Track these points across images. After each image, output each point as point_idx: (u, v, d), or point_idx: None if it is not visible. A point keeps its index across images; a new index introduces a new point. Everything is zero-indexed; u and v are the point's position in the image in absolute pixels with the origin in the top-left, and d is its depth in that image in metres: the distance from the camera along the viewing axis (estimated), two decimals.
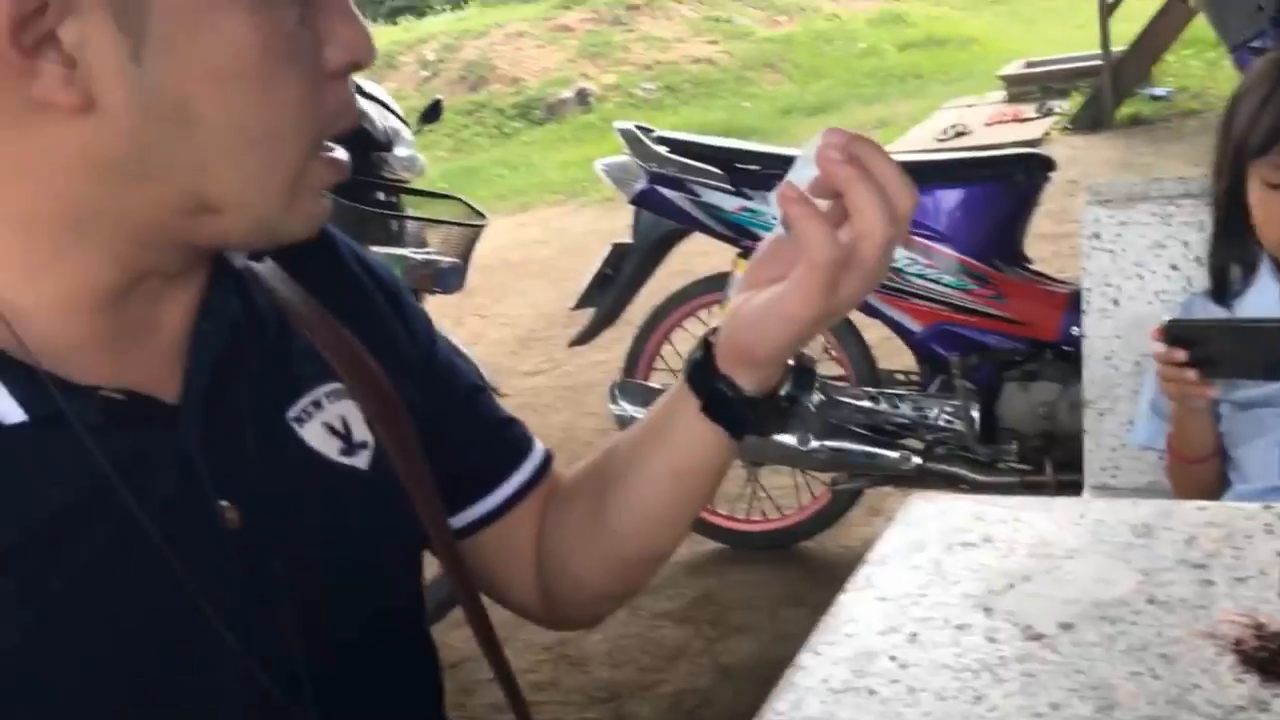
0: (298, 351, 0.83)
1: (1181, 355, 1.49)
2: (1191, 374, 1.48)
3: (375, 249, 2.52)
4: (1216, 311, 1.66)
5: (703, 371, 0.86)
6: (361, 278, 0.91)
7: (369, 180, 2.68)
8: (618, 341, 3.50)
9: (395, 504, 0.85)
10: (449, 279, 2.69)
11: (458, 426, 0.95)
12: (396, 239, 2.66)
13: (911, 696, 0.92)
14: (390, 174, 2.76)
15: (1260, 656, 0.87)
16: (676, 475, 0.91)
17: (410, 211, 2.77)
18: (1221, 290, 1.71)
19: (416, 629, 0.92)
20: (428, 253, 2.63)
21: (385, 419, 0.85)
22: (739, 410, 0.87)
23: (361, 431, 0.85)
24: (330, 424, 0.83)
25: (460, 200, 2.83)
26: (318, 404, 0.83)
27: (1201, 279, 1.82)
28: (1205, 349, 1.50)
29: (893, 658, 0.98)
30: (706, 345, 0.87)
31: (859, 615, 1.06)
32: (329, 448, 0.82)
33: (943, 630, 1.01)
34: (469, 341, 4.36)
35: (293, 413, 0.82)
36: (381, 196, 2.70)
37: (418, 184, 2.92)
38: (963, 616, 1.02)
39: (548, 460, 1.00)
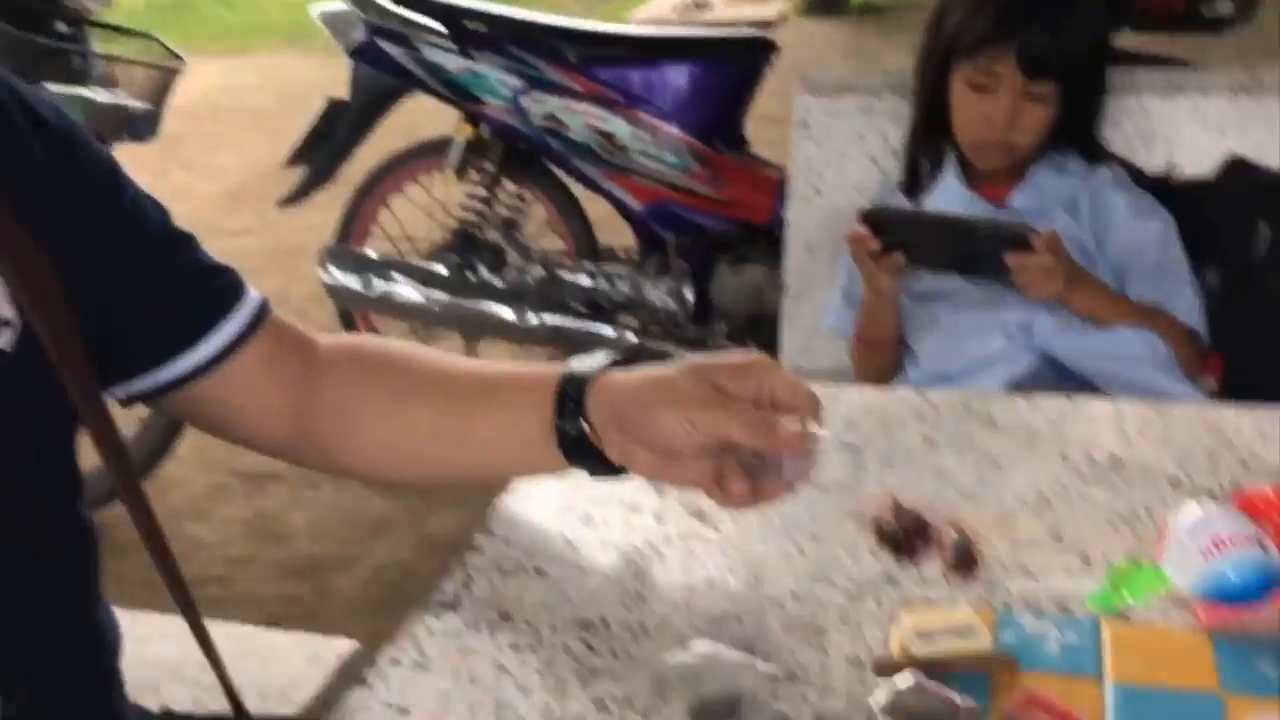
0: None
1: (875, 242, 1.56)
2: (893, 257, 1.56)
3: (53, 88, 2.28)
4: (905, 205, 1.75)
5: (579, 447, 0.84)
6: (20, 125, 0.82)
7: (47, 8, 2.40)
8: (335, 204, 3.35)
9: (42, 386, 0.79)
10: (140, 126, 2.47)
11: (151, 277, 0.88)
12: (80, 78, 2.42)
13: (579, 576, 0.94)
14: (74, 3, 2.49)
15: (895, 536, 0.94)
16: (497, 467, 0.93)
17: (96, 48, 2.52)
18: (912, 184, 1.80)
19: (68, 510, 0.87)
20: (116, 95, 2.41)
21: (32, 294, 0.77)
22: (605, 471, 0.85)
23: (3, 309, 0.77)
24: None
25: (155, 40, 2.59)
26: None
27: (896, 172, 1.90)
28: (900, 237, 1.58)
29: (566, 538, 1.00)
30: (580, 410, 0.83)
31: (535, 494, 1.06)
32: None
33: (615, 510, 1.03)
34: (173, 195, 4.05)
35: None
36: (63, 29, 2.43)
37: (108, 17, 2.65)
38: (635, 498, 1.04)
39: (263, 309, 0.94)
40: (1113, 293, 1.59)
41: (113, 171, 0.88)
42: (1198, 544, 0.83)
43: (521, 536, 1.00)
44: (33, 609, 0.82)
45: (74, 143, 0.85)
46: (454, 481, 0.95)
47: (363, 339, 0.97)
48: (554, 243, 3.06)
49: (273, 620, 2.29)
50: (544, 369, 0.88)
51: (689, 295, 2.84)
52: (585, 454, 0.83)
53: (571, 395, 0.83)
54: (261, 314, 0.93)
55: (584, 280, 2.90)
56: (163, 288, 0.89)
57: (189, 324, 0.90)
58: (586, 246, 3.03)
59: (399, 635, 0.88)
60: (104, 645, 0.91)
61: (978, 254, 1.54)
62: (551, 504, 1.04)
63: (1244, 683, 0.76)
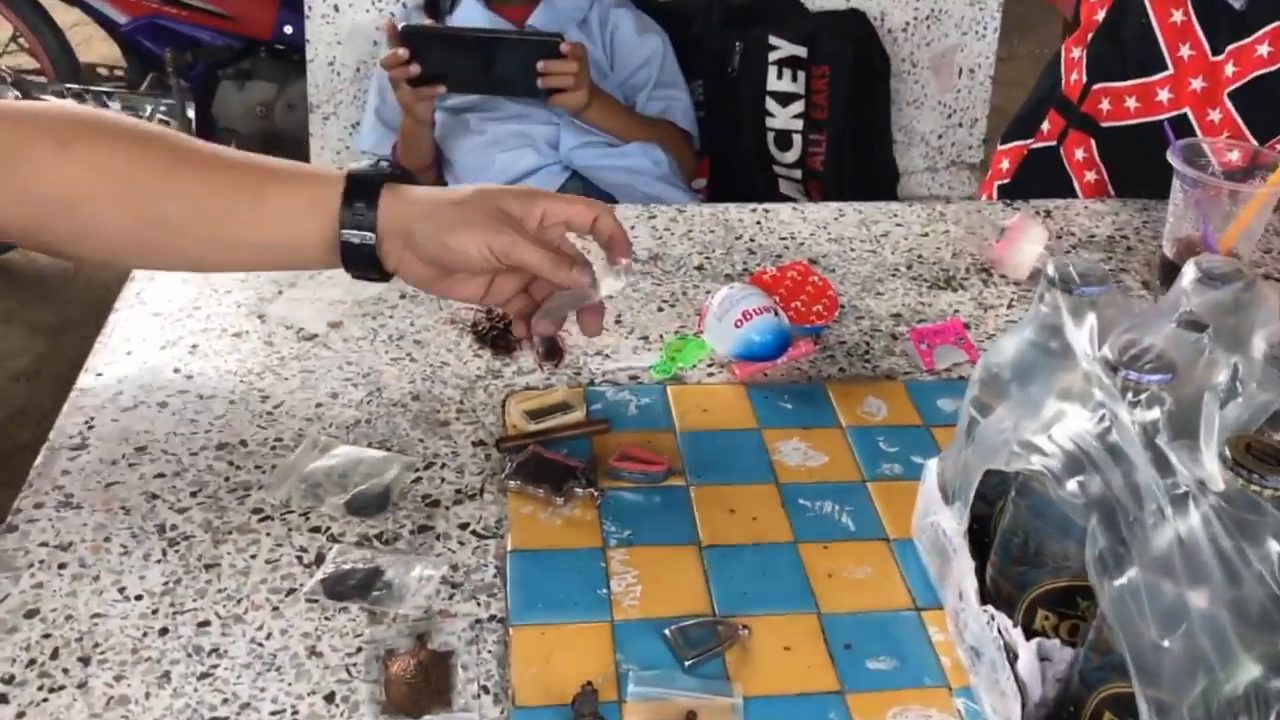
0: None
1: (408, 62, 1.63)
2: (432, 86, 1.64)
3: None
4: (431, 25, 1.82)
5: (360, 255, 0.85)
6: None
7: None
8: None
9: None
10: None
11: None
12: None
13: (202, 403, 0.99)
14: None
15: (491, 335, 1.08)
16: (258, 266, 0.95)
17: None
18: (434, 4, 1.87)
19: None
20: None
21: None
22: (373, 278, 0.87)
23: None
24: None
25: None
26: None
27: None
28: (437, 57, 1.65)
29: (177, 369, 1.03)
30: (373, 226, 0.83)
31: (135, 333, 1.07)
32: None
33: (222, 339, 1.07)
34: None
35: None
36: None
37: None
38: (239, 324, 1.09)
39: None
40: (624, 107, 1.80)
41: None
42: (728, 317, 1.05)
43: (130, 372, 1.02)
44: None
45: None
46: (195, 270, 0.92)
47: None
48: (26, 61, 2.77)
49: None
50: (314, 170, 0.86)
51: (191, 115, 2.72)
52: (363, 262, 0.85)
53: (360, 204, 0.83)
54: None
55: (69, 101, 2.67)
56: None
57: None
58: (65, 64, 2.79)
59: (32, 479, 0.89)
60: None
61: (512, 70, 1.67)
62: (154, 339, 1.06)
63: (773, 419, 0.99)
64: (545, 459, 0.92)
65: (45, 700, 0.72)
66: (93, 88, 2.71)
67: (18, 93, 2.61)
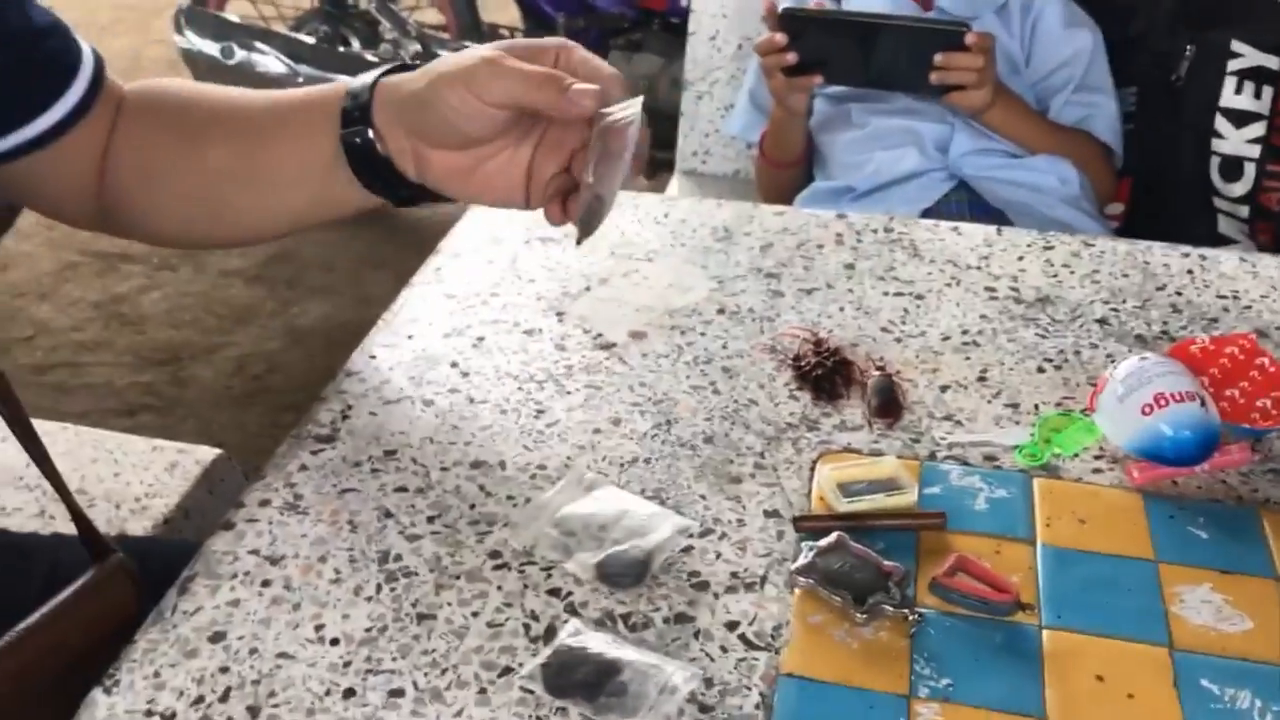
0: None
1: (786, 48, 1.44)
2: (807, 78, 1.45)
3: None
4: (827, 3, 1.62)
5: (369, 161, 0.76)
6: None
7: None
8: None
9: None
10: None
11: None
12: None
13: (470, 409, 0.85)
14: None
15: (815, 375, 0.87)
16: (297, 206, 0.81)
17: None
18: None
19: None
20: None
21: None
22: (405, 196, 0.79)
23: None
24: None
25: None
26: None
27: None
28: (817, 44, 1.45)
29: (454, 364, 0.90)
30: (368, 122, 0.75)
31: (422, 315, 0.96)
32: None
33: (511, 335, 0.93)
34: None
35: None
36: None
37: None
38: (534, 320, 0.95)
39: (99, 73, 0.83)
40: (1033, 112, 1.52)
41: None
42: (1134, 398, 0.79)
43: (405, 358, 0.91)
44: None
45: None
46: (259, 234, 0.84)
47: (159, 84, 0.86)
48: (434, 16, 2.84)
49: (127, 410, 2.17)
50: (330, 87, 0.79)
51: None
52: (379, 173, 0.76)
53: (355, 104, 0.76)
54: (97, 81, 0.81)
55: None
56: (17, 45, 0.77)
57: (31, 94, 0.79)
58: (469, 22, 2.82)
59: (268, 470, 0.79)
60: None
61: (903, 61, 1.44)
62: (440, 324, 0.94)
63: (1178, 551, 0.72)
64: (853, 553, 0.70)
65: None
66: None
67: (419, 45, 2.66)
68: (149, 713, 0.62)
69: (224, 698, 0.63)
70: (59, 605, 0.74)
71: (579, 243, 0.73)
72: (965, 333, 0.94)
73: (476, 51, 0.72)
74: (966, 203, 1.48)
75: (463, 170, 0.76)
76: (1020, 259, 1.04)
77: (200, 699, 0.63)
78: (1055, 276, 1.02)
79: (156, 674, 0.64)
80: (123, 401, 2.23)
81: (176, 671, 0.64)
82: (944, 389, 0.87)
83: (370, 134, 0.75)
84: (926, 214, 1.47)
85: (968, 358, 0.91)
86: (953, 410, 0.85)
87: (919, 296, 0.99)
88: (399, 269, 2.93)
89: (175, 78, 0.88)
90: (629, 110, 0.72)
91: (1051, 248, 1.06)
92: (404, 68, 0.77)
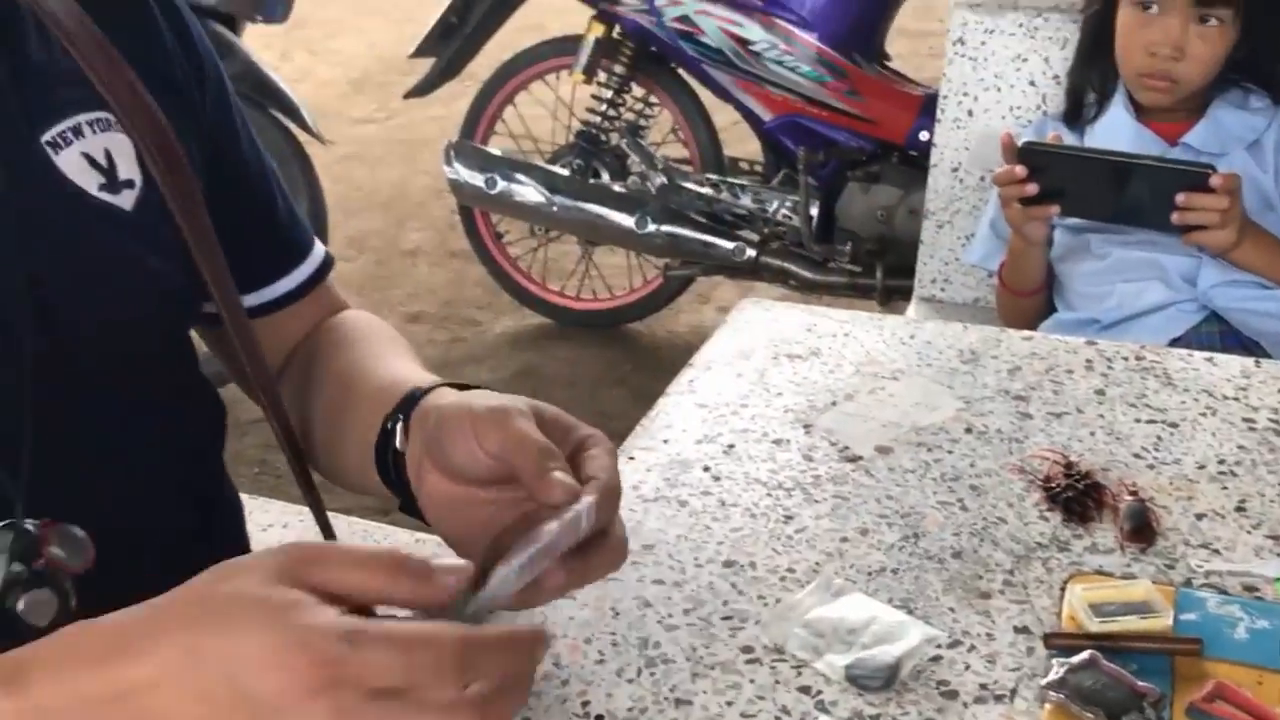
0: (60, 71, 0.72)
1: (1026, 181, 1.46)
2: (1035, 197, 1.46)
3: None
4: (1067, 137, 1.64)
5: (388, 450, 0.74)
6: (149, 6, 0.79)
7: None
8: (458, 97, 3.31)
9: (160, 250, 0.76)
10: (272, 6, 2.46)
11: (237, 203, 0.84)
12: None
13: (722, 510, 0.90)
14: None
15: (1065, 496, 0.88)
16: (360, 478, 0.79)
17: None
18: (1075, 114, 1.69)
19: (189, 376, 0.85)
20: None
21: (163, 160, 0.75)
22: (404, 501, 0.75)
23: (129, 169, 0.75)
24: (91, 154, 0.73)
25: None
26: (78, 131, 0.73)
27: (1058, 100, 1.79)
28: (1057, 178, 1.47)
29: (707, 468, 0.96)
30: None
31: (677, 421, 1.02)
32: (87, 180, 0.73)
33: (760, 444, 0.98)
34: (295, 79, 4.08)
35: (48, 136, 0.72)
36: None
37: None
38: (782, 431, 1.00)
39: (326, 263, 0.91)
40: None
41: (222, 84, 0.85)
42: None
43: (661, 461, 0.96)
44: (160, 475, 0.80)
45: (190, 33, 0.82)
46: (336, 479, 0.87)
47: (355, 316, 0.91)
48: (678, 151, 2.99)
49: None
50: (418, 376, 0.77)
51: (814, 212, 2.75)
52: (388, 466, 0.73)
53: (410, 397, 0.72)
54: (325, 267, 0.91)
55: (706, 190, 2.83)
56: (251, 218, 0.86)
57: (269, 261, 0.87)
58: (711, 156, 2.96)
59: None
60: (232, 521, 0.91)
61: (1144, 199, 1.43)
62: (694, 433, 1.00)
63: None
64: (1106, 672, 0.70)
65: None
66: (729, 179, 2.84)
67: (664, 179, 2.81)
68: None
69: None
70: None
71: (1125, 550, 0.78)
72: (1222, 462, 0.93)
73: (509, 399, 0.67)
74: (1218, 334, 1.45)
75: (448, 500, 0.69)
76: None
77: None
78: None
79: None
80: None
81: None
82: (1199, 517, 0.86)
83: (400, 426, 0.72)
84: (1175, 344, 1.45)
85: (1224, 487, 0.90)
86: (1209, 539, 0.84)
87: (1173, 424, 0.98)
88: (635, 387, 3.05)
89: (371, 316, 0.92)
90: (578, 521, 0.62)
91: None
92: (474, 387, 0.74)
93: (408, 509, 0.73)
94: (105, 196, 0.73)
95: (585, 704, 0.72)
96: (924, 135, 2.58)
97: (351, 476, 0.81)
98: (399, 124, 4.33)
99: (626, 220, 2.81)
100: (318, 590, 0.49)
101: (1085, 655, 0.71)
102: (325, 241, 0.91)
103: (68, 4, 0.73)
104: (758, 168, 2.99)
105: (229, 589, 0.50)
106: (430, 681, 0.48)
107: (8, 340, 0.68)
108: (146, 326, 0.79)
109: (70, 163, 0.72)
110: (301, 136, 2.69)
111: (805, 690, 0.73)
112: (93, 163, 0.73)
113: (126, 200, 0.75)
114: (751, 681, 0.73)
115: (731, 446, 0.98)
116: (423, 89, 3.02)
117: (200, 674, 0.48)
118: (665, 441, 0.99)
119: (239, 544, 0.92)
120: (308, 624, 0.47)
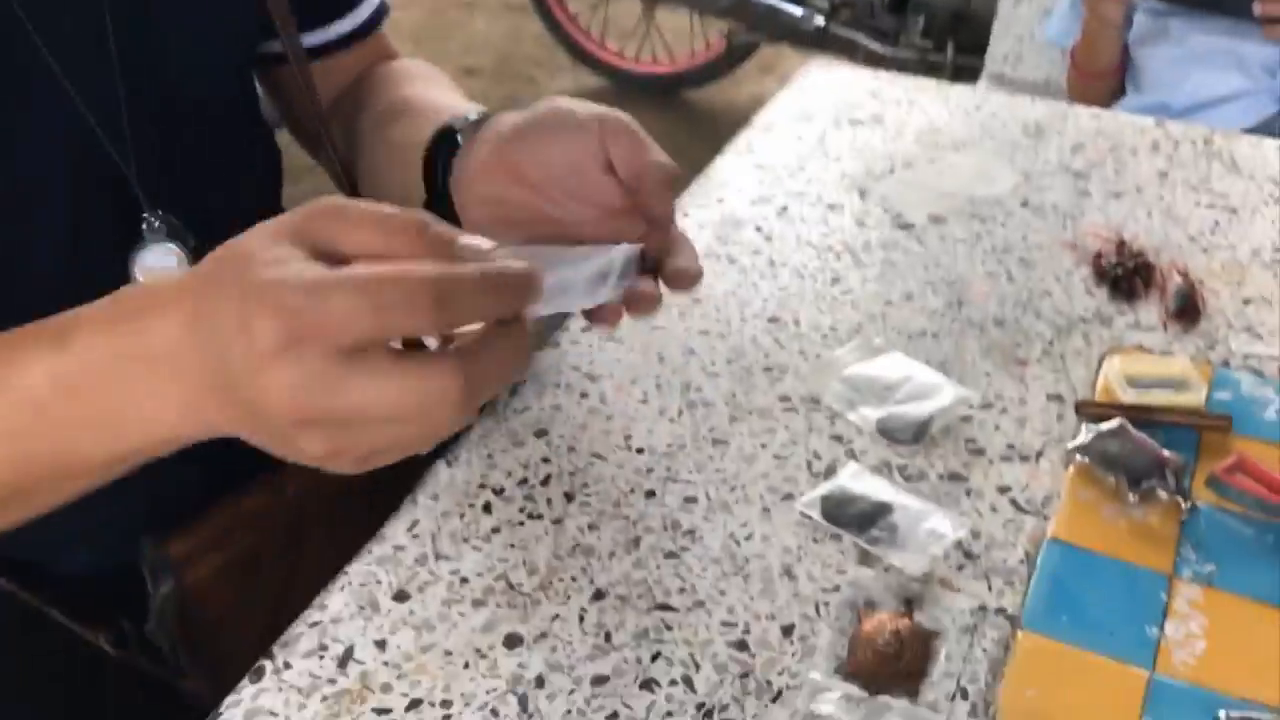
0: None
1: None
2: None
3: None
4: None
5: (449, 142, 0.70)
6: None
7: None
8: None
9: None
10: None
11: None
12: None
13: (770, 269, 0.92)
14: None
15: (1115, 273, 0.88)
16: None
17: None
18: None
19: (254, 118, 0.87)
20: None
21: None
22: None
23: None
24: None
25: None
26: None
27: None
28: None
29: (759, 228, 0.96)
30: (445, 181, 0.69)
31: (732, 180, 1.02)
32: None
33: (814, 207, 0.99)
34: None
35: None
36: None
37: None
38: (836, 196, 1.00)
39: (382, 9, 0.90)
40: None
41: None
42: None
43: (714, 219, 0.97)
44: (229, 208, 0.83)
45: None
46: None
47: (401, 62, 0.89)
48: None
49: None
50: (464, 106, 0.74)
51: None
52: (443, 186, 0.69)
53: (463, 123, 0.69)
54: (379, 15, 0.89)
55: None
56: None
57: (321, 3, 0.86)
58: None
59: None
60: None
61: None
62: (749, 192, 1.01)
63: None
64: (1133, 440, 0.73)
65: (521, 524, 0.70)
66: None
67: None
68: (482, 485, 0.72)
69: (544, 482, 0.73)
70: None
71: (1168, 328, 0.77)
72: (1277, 249, 0.92)
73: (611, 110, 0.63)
74: None
75: (499, 200, 0.64)
76: None
77: (525, 480, 0.73)
78: None
79: (489, 456, 0.75)
80: None
81: (505, 456, 0.75)
82: (1246, 302, 0.87)
83: (461, 132, 0.69)
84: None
85: (1276, 274, 0.89)
86: (1254, 323, 0.85)
87: (1232, 210, 0.97)
88: (692, 157, 3.01)
89: (423, 63, 0.90)
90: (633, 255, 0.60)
91: None
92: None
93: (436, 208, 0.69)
94: None
95: (628, 438, 0.76)
96: None
97: (394, 189, 0.77)
98: None
99: None
100: (324, 248, 0.46)
101: (1115, 423, 0.74)
102: None
103: None
104: None
105: (236, 249, 0.47)
106: (402, 322, 0.43)
107: (104, 83, 0.69)
108: (222, 67, 0.79)
109: None
110: None
111: (837, 439, 0.76)
112: None
113: None
114: (786, 428, 0.76)
115: (785, 208, 0.99)
116: None
117: (196, 340, 0.46)
118: (720, 200, 1.00)
119: None
120: (271, 278, 0.44)
